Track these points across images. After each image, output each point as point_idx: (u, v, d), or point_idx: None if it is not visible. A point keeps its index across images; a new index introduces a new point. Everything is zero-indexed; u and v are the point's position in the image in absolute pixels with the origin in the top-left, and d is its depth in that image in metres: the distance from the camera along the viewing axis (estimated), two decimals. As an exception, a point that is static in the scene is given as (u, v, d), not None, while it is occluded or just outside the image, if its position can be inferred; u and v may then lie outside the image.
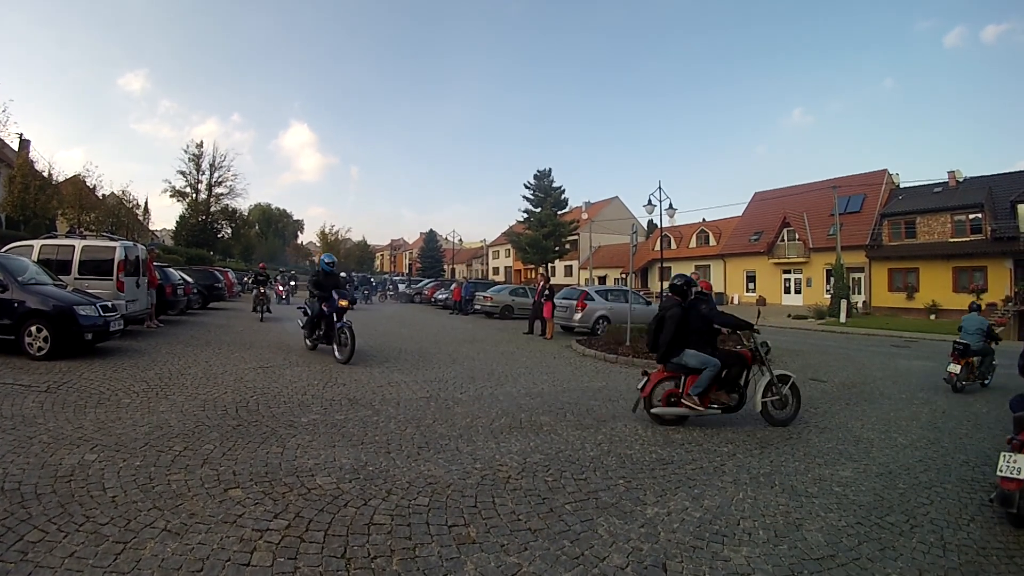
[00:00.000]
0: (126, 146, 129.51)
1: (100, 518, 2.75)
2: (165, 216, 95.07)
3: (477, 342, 11.96)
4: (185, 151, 42.70)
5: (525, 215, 44.66)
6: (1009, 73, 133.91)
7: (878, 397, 7.44)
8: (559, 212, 44.31)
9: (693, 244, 42.33)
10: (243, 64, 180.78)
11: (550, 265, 45.61)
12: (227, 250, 47.79)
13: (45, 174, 25.26)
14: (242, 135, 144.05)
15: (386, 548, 2.65)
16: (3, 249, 9.01)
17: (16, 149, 25.69)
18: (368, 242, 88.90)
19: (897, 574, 2.69)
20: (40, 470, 3.30)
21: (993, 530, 3.25)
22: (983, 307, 8.83)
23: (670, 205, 18.52)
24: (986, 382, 8.39)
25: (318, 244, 79.32)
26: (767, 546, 2.89)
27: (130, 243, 10.44)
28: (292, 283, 24.44)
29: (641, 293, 20.15)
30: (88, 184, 27.60)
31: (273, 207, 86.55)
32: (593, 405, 6.11)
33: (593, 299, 14.46)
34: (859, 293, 29.41)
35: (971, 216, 26.28)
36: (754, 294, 35.73)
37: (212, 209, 42.80)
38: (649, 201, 18.14)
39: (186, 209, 42.49)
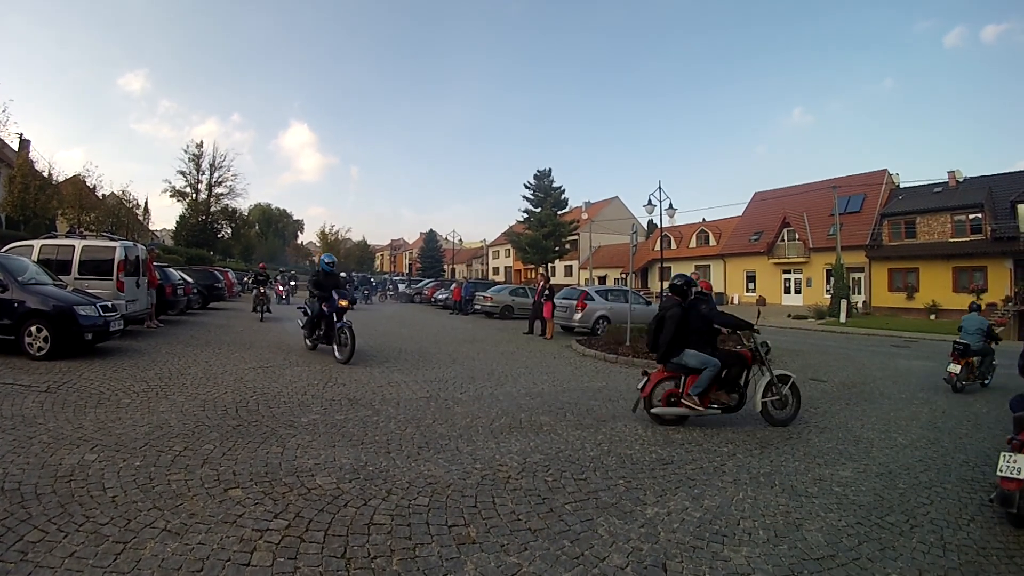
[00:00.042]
0: (126, 146, 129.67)
1: (100, 518, 2.75)
2: (165, 216, 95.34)
3: (477, 342, 11.96)
4: (185, 151, 42.80)
5: (525, 215, 44.66)
6: (1009, 73, 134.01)
7: (878, 397, 7.44)
8: (559, 212, 44.31)
9: (693, 244, 42.33)
10: (243, 64, 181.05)
11: (550, 265, 45.61)
12: (227, 250, 47.79)
13: (45, 174, 25.26)
14: (242, 135, 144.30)
15: (386, 548, 2.65)
16: (3, 249, 9.01)
17: (16, 149, 25.68)
18: (368, 242, 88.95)
19: (897, 574, 2.69)
20: (40, 470, 3.30)
21: (993, 530, 3.25)
22: (983, 307, 8.81)
23: (670, 205, 18.53)
24: (986, 382, 8.39)
25: (318, 244, 79.33)
26: (767, 546, 2.89)
27: (130, 243, 10.43)
28: (292, 283, 24.43)
29: (641, 293, 20.15)
30: (88, 184, 27.60)
31: (273, 207, 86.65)
32: (593, 405, 6.11)
33: (593, 299, 14.46)
34: (859, 293, 29.41)
35: (971, 216, 26.28)
36: (754, 294, 35.74)
37: (212, 209, 42.80)
38: (649, 201, 18.15)
39: (186, 209, 42.50)
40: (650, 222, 37.56)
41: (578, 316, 14.02)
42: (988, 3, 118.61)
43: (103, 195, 29.71)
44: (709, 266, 39.18)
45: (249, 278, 22.87)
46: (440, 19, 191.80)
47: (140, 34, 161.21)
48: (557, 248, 43.37)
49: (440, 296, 26.41)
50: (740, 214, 40.37)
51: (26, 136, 26.70)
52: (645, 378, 5.40)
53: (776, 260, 34.95)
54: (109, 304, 7.73)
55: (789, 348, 13.09)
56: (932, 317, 24.92)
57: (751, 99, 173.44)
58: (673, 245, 42.48)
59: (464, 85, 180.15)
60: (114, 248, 9.46)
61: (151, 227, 44.44)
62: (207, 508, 2.94)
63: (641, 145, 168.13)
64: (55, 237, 10.35)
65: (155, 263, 11.78)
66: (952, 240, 26.55)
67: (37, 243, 9.48)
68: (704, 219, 44.28)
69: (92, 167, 35.51)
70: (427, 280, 36.97)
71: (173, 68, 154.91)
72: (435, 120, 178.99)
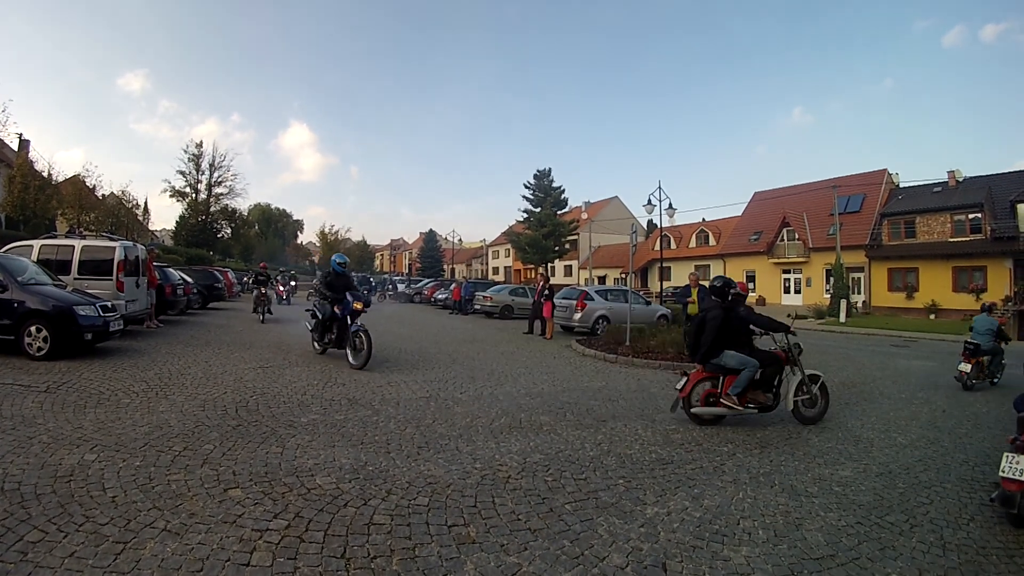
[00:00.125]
0: (126, 146, 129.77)
1: (100, 518, 2.75)
2: (165, 216, 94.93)
3: (477, 342, 11.96)
4: (185, 151, 42.79)
5: (525, 215, 44.63)
6: (1008, 72, 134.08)
7: (878, 397, 7.45)
8: (559, 212, 44.28)
9: (693, 244, 42.30)
10: (243, 64, 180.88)
11: (550, 265, 45.59)
12: (227, 250, 47.76)
13: (45, 174, 25.23)
14: (242, 135, 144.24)
15: (386, 548, 2.65)
16: (3, 249, 9.01)
17: (16, 149, 25.64)
18: (368, 242, 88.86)
19: (897, 574, 2.69)
20: (40, 470, 3.30)
21: (993, 530, 3.25)
22: (992, 308, 8.94)
23: (670, 205, 18.59)
24: (995, 380, 8.52)
25: (318, 244, 79.44)
26: (767, 546, 2.90)
27: (130, 243, 10.43)
28: (292, 283, 24.36)
29: (641, 293, 20.16)
30: (88, 184, 27.57)
31: (273, 207, 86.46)
32: (593, 405, 6.11)
33: (593, 299, 14.46)
34: (859, 293, 29.41)
35: (971, 216, 26.27)
36: (754, 294, 35.73)
37: (212, 209, 42.78)
38: (649, 201, 18.21)
39: (186, 209, 42.48)
40: (650, 222, 37.68)
41: (578, 316, 14.02)
42: (987, 2, 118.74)
43: (103, 195, 29.68)
44: (709, 266, 39.13)
45: (249, 278, 22.75)
46: (440, 19, 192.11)
47: (140, 34, 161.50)
48: (557, 248, 43.34)
49: (440, 296, 26.40)
50: (740, 214, 40.33)
51: (26, 136, 26.67)
52: (684, 378, 5.45)
53: (776, 260, 34.93)
54: (109, 304, 7.73)
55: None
56: (932, 317, 24.93)
57: (751, 99, 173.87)
58: (673, 245, 42.46)
59: (464, 85, 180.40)
60: (114, 248, 9.45)
61: (151, 227, 44.33)
62: (207, 508, 2.94)
63: (641, 145, 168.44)
64: (55, 237, 10.35)
65: (155, 263, 11.77)
66: (952, 240, 26.54)
67: (37, 243, 9.47)
68: (704, 219, 44.27)
69: (92, 167, 35.79)
70: (427, 280, 36.97)
71: (173, 68, 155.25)
72: (435, 120, 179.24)
